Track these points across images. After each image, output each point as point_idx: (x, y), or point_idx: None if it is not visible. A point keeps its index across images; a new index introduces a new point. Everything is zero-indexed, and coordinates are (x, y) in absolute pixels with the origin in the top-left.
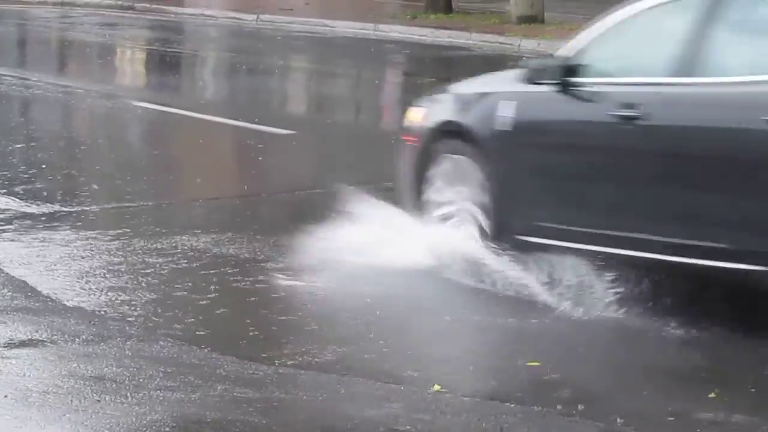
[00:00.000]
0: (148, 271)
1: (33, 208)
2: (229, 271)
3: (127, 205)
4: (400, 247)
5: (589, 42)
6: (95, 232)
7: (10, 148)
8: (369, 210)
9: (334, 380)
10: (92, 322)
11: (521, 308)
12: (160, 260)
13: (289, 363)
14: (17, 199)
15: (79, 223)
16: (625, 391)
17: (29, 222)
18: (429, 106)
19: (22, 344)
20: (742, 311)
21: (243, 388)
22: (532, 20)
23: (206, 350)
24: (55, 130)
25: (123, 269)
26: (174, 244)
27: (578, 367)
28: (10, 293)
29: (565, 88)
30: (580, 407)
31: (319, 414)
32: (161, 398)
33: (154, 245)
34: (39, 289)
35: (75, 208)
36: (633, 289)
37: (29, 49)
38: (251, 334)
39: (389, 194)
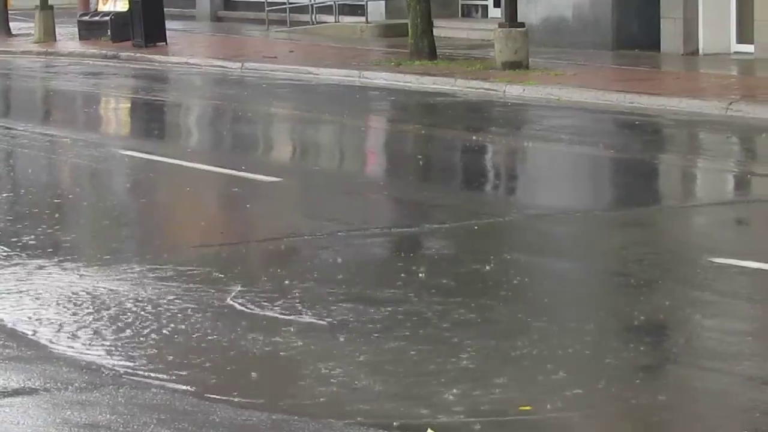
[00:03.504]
0: (138, 318)
1: (22, 258)
2: (219, 318)
3: (115, 254)
4: None
5: None
6: (84, 280)
7: None
8: None
9: (327, 426)
10: (84, 370)
11: None
12: (149, 308)
13: (282, 409)
14: (6, 248)
15: (68, 272)
16: None
17: (18, 271)
18: None
19: (15, 392)
20: None
21: None
22: (517, 66)
23: (199, 397)
24: (41, 179)
25: (113, 317)
26: (163, 292)
27: None
28: (2, 342)
29: None
30: None
31: None
32: None
33: (144, 293)
34: (30, 338)
35: (64, 258)
36: None
37: (14, 98)
38: (244, 380)
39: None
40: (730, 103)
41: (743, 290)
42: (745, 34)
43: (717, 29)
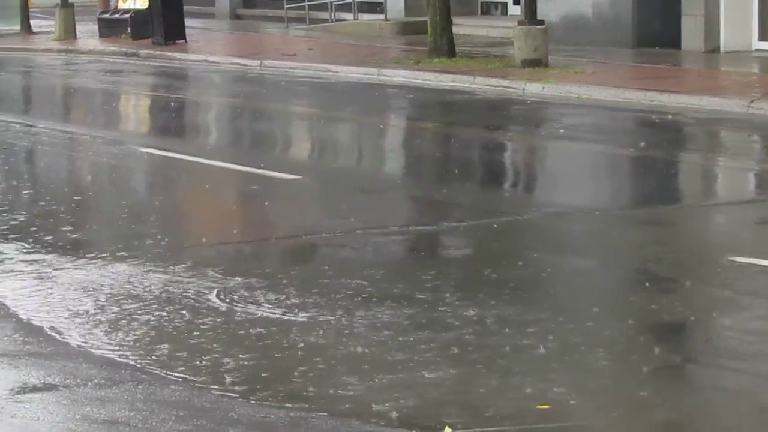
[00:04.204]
0: (158, 315)
1: (43, 254)
2: (239, 316)
3: (134, 251)
4: None
5: None
6: (104, 277)
7: (18, 194)
8: None
9: (346, 424)
10: (104, 367)
11: None
12: (168, 305)
13: (300, 406)
14: (27, 245)
15: (89, 269)
16: None
17: (39, 268)
18: None
19: (35, 389)
20: None
21: None
22: (536, 64)
23: (218, 394)
24: (61, 176)
25: (133, 314)
26: (183, 289)
27: None
28: (22, 338)
29: None
30: None
31: None
32: None
33: (164, 291)
34: (50, 334)
35: (84, 254)
36: None
37: (34, 96)
38: (262, 377)
39: (394, 238)
40: (752, 101)
41: (764, 289)
42: (766, 31)
43: (738, 27)
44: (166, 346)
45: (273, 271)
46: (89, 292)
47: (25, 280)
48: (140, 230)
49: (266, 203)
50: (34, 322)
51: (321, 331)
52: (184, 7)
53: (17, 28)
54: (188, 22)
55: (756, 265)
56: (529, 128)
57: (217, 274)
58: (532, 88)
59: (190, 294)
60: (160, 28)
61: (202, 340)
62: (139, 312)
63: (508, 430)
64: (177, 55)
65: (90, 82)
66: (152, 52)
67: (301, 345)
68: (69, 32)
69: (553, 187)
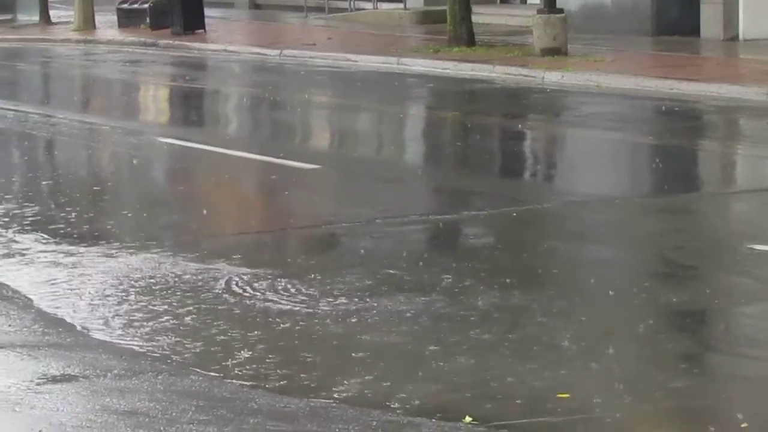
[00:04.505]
0: (177, 306)
1: (62, 245)
2: (258, 306)
3: (154, 241)
4: None
5: None
6: (125, 268)
7: (37, 185)
8: None
9: (366, 413)
10: (123, 357)
11: None
12: (188, 295)
13: (320, 396)
14: (46, 236)
15: (109, 260)
16: None
17: (60, 258)
18: None
19: (55, 379)
20: None
21: (275, 422)
22: (555, 52)
23: (237, 384)
24: (80, 166)
25: (152, 304)
26: (204, 280)
27: None
28: (42, 329)
29: None
30: None
31: None
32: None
33: (184, 281)
34: (70, 325)
35: (103, 245)
36: None
37: (54, 86)
38: (283, 367)
39: (414, 227)
40: None
41: None
42: None
43: (757, 14)
44: (186, 336)
45: (293, 260)
46: (109, 283)
47: (45, 270)
48: (160, 220)
49: (286, 193)
50: (54, 313)
51: (341, 321)
52: None
53: (36, 18)
54: (207, 12)
55: None
56: (548, 117)
57: (236, 264)
58: (551, 77)
59: (210, 284)
60: (179, 18)
61: (222, 330)
62: (159, 302)
63: (528, 420)
64: (196, 45)
65: (109, 72)
66: (171, 42)
67: (322, 334)
68: (88, 22)
69: (573, 175)
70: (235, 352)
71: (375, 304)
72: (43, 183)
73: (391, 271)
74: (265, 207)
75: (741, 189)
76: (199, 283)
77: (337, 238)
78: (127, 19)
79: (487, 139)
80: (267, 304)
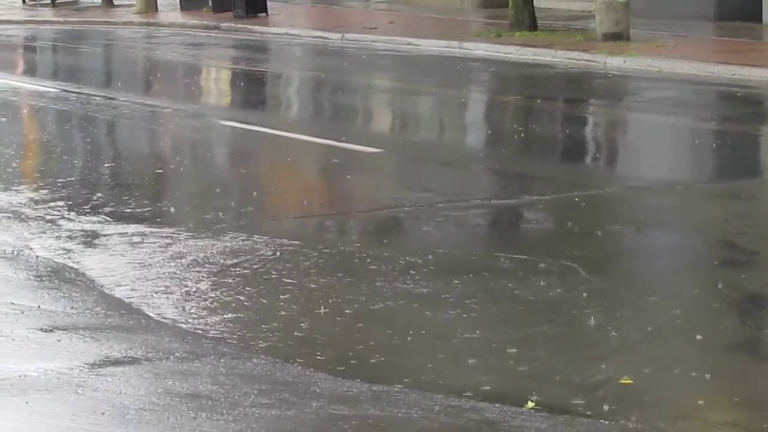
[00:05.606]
0: (240, 288)
1: (125, 227)
2: (321, 290)
3: (215, 224)
4: None
5: None
6: (187, 250)
7: (100, 167)
8: None
9: (428, 398)
10: (186, 340)
11: None
12: (251, 278)
13: (383, 379)
14: (109, 218)
15: (171, 242)
16: None
17: (122, 240)
18: None
19: (117, 362)
20: None
21: (338, 405)
22: (618, 37)
23: (300, 367)
24: (142, 149)
25: (216, 287)
26: (264, 262)
27: None
28: (104, 311)
29: None
30: None
31: (415, 431)
32: (257, 415)
33: (248, 264)
34: (132, 307)
35: (166, 227)
36: None
37: (116, 69)
38: (345, 351)
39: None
40: None
41: None
42: None
43: None
44: (249, 319)
45: (355, 244)
46: (172, 265)
47: (107, 252)
48: (222, 203)
49: (348, 176)
50: (116, 295)
51: (403, 305)
52: None
53: (98, 1)
54: None
55: None
56: (610, 102)
57: (298, 247)
58: (613, 62)
59: (272, 267)
60: (241, 2)
61: (285, 313)
62: (221, 285)
63: (590, 405)
64: (258, 28)
65: (171, 55)
66: (233, 25)
67: (384, 318)
68: (150, 5)
69: (635, 160)
70: (298, 336)
71: (437, 289)
72: (105, 165)
73: (453, 256)
74: (327, 190)
75: None
76: (261, 267)
77: (399, 222)
78: (189, 2)
79: (549, 123)
80: (329, 287)
